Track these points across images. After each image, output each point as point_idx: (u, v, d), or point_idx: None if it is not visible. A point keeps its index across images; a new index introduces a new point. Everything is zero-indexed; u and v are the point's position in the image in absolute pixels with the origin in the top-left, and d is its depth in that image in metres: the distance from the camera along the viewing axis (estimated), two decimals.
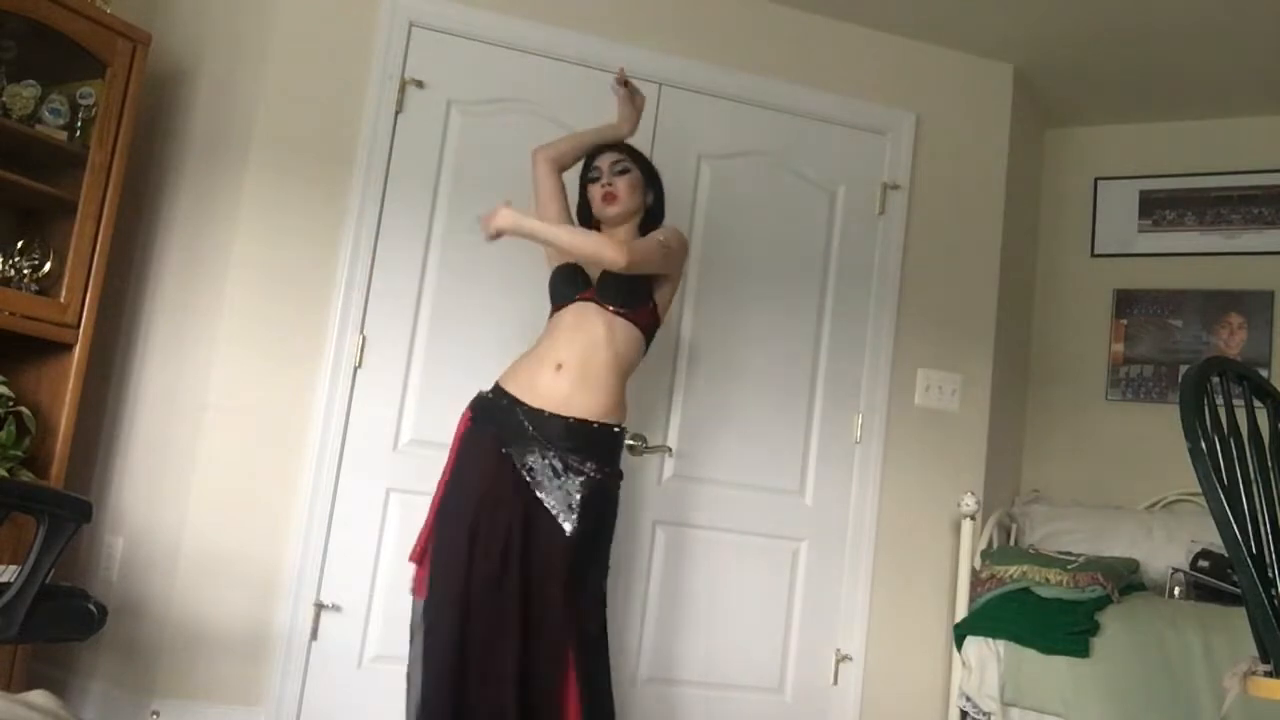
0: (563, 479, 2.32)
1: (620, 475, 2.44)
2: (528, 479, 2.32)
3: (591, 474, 2.33)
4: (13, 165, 2.71)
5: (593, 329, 2.43)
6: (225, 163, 3.03)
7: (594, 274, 2.48)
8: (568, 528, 2.29)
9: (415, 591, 2.41)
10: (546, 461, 2.33)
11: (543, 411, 2.36)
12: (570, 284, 2.50)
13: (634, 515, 3.11)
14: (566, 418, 2.36)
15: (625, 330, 2.45)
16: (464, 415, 2.47)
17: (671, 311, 3.17)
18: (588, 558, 2.34)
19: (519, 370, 2.46)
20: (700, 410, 3.28)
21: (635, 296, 2.46)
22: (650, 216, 2.61)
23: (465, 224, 2.87)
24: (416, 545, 2.42)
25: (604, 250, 2.35)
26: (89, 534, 2.95)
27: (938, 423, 3.51)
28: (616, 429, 2.43)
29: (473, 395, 2.48)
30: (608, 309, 2.44)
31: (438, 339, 3.06)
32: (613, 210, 2.54)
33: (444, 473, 2.44)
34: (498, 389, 2.46)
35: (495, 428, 2.39)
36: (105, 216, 2.82)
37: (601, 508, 2.38)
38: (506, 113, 3.18)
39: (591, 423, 2.38)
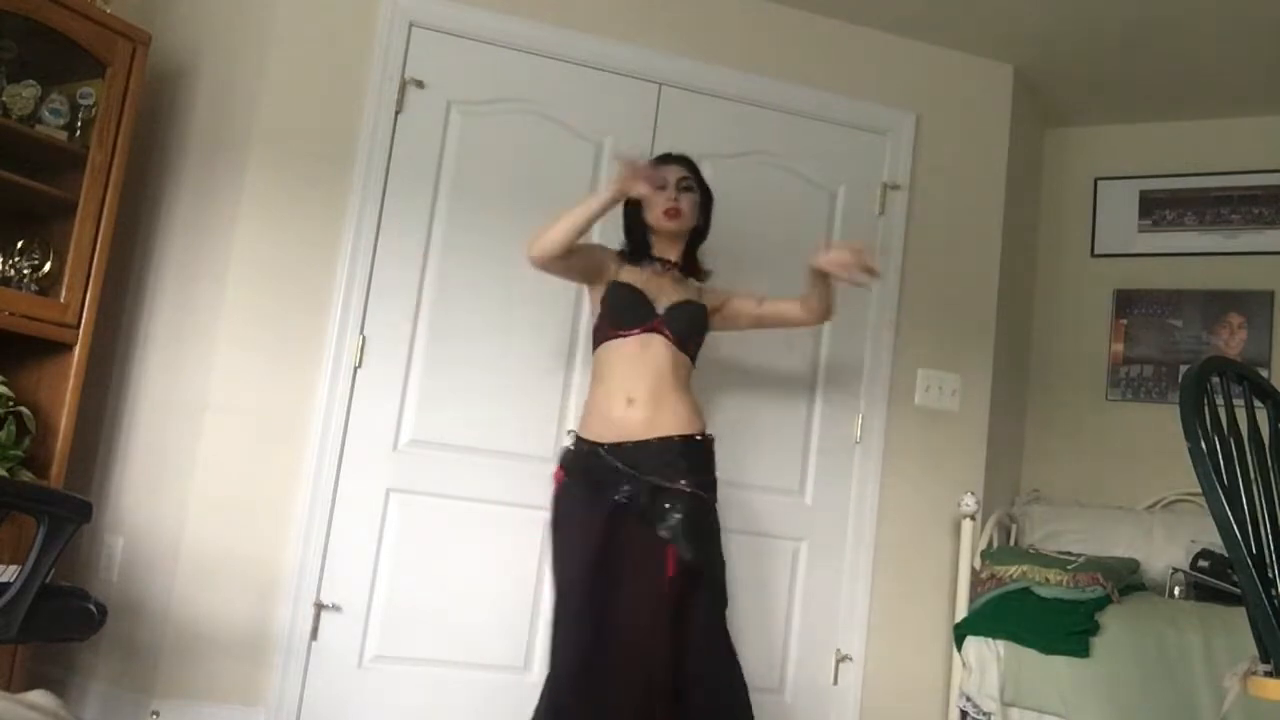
0: (660, 506, 2.28)
1: (714, 488, 2.40)
2: (631, 512, 2.30)
3: (687, 491, 2.30)
4: (13, 165, 2.71)
5: (658, 361, 2.41)
6: (225, 162, 3.03)
7: (660, 302, 2.45)
8: (683, 553, 2.24)
9: None
10: (642, 492, 2.30)
11: (625, 444, 2.35)
12: (635, 310, 2.44)
13: None
14: (649, 440, 2.35)
15: (684, 360, 2.46)
16: (556, 473, 2.45)
17: None
18: (693, 584, 2.28)
19: (590, 413, 2.46)
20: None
21: (697, 329, 2.47)
22: (696, 238, 2.62)
23: None
24: None
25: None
26: (89, 534, 2.95)
27: (938, 422, 3.50)
28: (700, 436, 2.41)
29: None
30: (673, 341, 2.42)
31: (438, 339, 3.05)
32: (673, 225, 2.52)
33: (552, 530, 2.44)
34: (578, 439, 2.46)
35: (586, 475, 2.38)
36: (105, 216, 2.82)
37: (704, 525, 2.33)
38: (506, 113, 3.18)
39: (674, 437, 2.37)
